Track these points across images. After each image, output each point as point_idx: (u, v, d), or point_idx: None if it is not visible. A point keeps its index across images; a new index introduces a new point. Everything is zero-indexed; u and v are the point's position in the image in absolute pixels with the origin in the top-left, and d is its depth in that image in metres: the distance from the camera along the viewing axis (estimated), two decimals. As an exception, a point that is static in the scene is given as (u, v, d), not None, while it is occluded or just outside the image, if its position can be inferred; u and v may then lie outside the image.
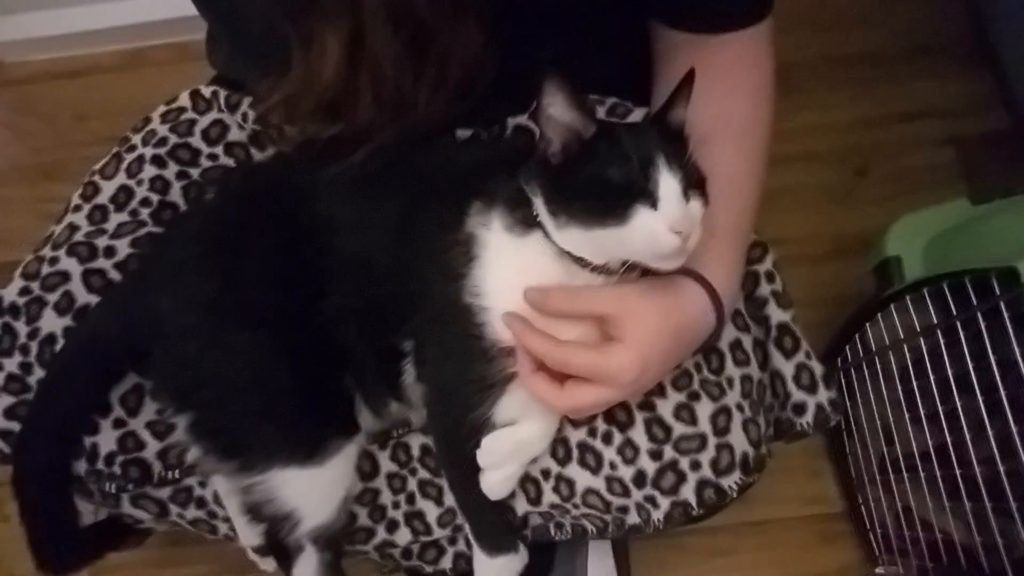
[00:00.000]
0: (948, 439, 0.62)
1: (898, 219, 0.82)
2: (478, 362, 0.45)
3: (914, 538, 0.68)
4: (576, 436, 0.49)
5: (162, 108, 0.59)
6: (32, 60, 1.11)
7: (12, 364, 0.50)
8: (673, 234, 0.39)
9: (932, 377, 0.64)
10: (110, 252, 0.53)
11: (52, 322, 0.50)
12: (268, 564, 0.58)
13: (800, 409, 0.53)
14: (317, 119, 0.46)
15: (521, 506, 0.51)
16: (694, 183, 0.41)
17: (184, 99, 0.59)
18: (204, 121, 0.58)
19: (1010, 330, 0.56)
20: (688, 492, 0.46)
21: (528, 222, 0.44)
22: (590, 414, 0.47)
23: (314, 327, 0.48)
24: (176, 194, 0.56)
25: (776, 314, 0.53)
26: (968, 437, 0.60)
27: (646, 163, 0.40)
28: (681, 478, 0.46)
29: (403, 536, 0.54)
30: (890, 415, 0.70)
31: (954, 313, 0.62)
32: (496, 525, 0.51)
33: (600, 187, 0.41)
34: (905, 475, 0.69)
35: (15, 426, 0.49)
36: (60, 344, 0.50)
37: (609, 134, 0.42)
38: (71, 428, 0.50)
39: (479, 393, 0.46)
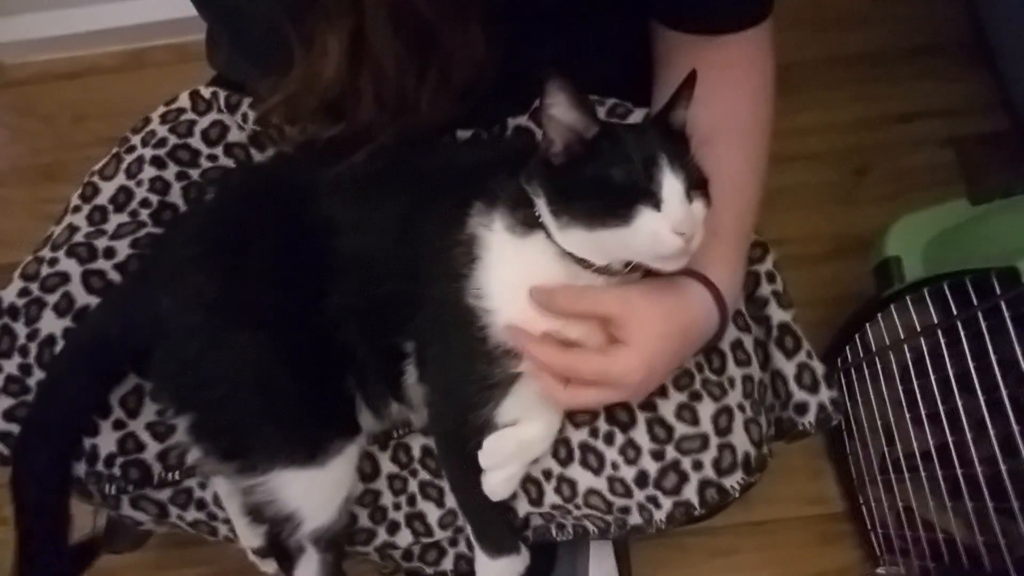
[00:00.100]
0: (949, 438, 0.62)
1: (898, 219, 0.82)
2: (480, 363, 0.45)
3: (915, 538, 0.68)
4: (578, 436, 0.48)
5: (162, 109, 0.59)
6: (32, 61, 1.11)
7: (11, 366, 0.50)
8: (676, 235, 0.39)
9: (933, 377, 0.64)
10: (110, 253, 0.53)
11: (51, 323, 0.50)
12: (269, 566, 0.57)
13: (802, 409, 0.53)
14: (318, 119, 0.46)
15: (522, 507, 0.51)
16: (696, 184, 0.41)
17: (184, 100, 0.59)
18: (204, 122, 0.58)
19: (1011, 329, 0.56)
20: (690, 492, 0.46)
21: (530, 223, 0.44)
22: (593, 411, 0.47)
23: (315, 327, 0.48)
24: (176, 195, 0.56)
25: (777, 314, 0.54)
26: (969, 436, 0.60)
27: (649, 164, 0.40)
28: (683, 478, 0.46)
29: (404, 537, 0.54)
30: (891, 415, 0.70)
31: (954, 313, 0.62)
32: (497, 526, 0.51)
33: (603, 188, 0.41)
34: (906, 475, 0.69)
35: (15, 428, 0.49)
36: (60, 345, 0.50)
37: (611, 134, 0.42)
38: (71, 430, 0.50)
39: (481, 394, 0.46)
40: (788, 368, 0.53)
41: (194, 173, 0.57)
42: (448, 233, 0.46)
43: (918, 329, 0.67)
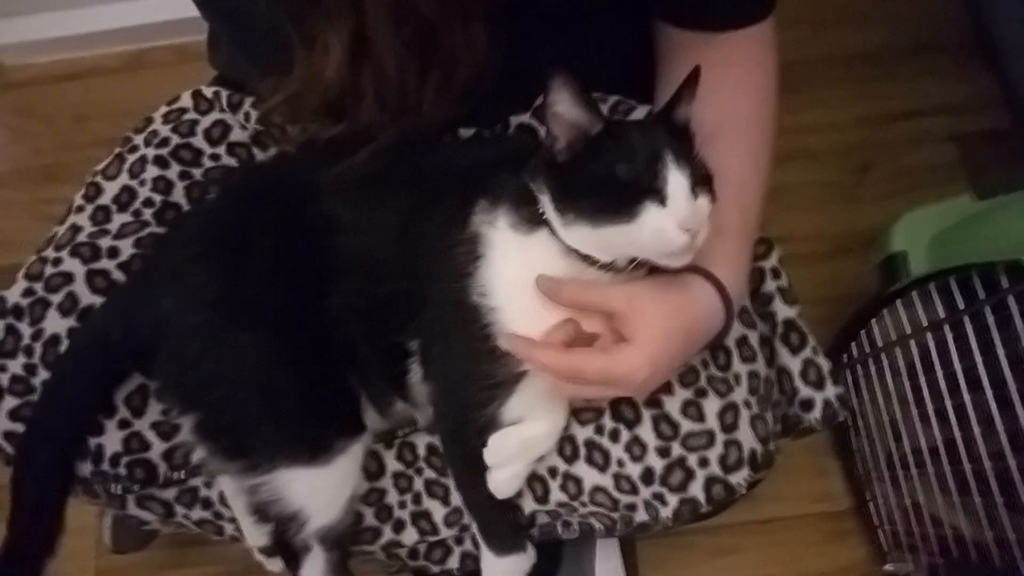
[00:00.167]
0: (957, 434, 0.62)
1: (902, 215, 0.81)
2: (484, 361, 0.45)
3: (923, 534, 0.68)
4: (583, 434, 0.48)
5: (164, 109, 0.59)
6: (33, 63, 1.11)
7: (16, 366, 0.49)
8: (682, 231, 0.39)
9: (940, 372, 0.64)
10: (113, 253, 0.53)
11: (56, 323, 0.50)
12: (275, 565, 0.57)
13: (808, 405, 0.53)
14: (320, 119, 0.46)
15: (528, 505, 0.51)
16: (701, 180, 0.41)
17: (186, 99, 0.59)
18: (206, 121, 0.58)
19: (1018, 323, 0.56)
20: (696, 489, 0.46)
21: (534, 220, 0.44)
22: (597, 403, 0.47)
23: (318, 326, 0.48)
24: (179, 194, 0.56)
25: (782, 310, 0.53)
26: (977, 432, 0.60)
27: (654, 160, 0.40)
28: (689, 475, 0.46)
29: (409, 536, 0.54)
30: (897, 411, 0.70)
31: (961, 308, 0.62)
32: (503, 524, 0.51)
33: (608, 184, 0.40)
34: (913, 471, 0.69)
35: (20, 428, 0.49)
36: (64, 345, 0.50)
37: (616, 131, 0.42)
38: (75, 429, 0.50)
39: (486, 391, 0.46)
40: (794, 364, 0.53)
41: (197, 172, 0.57)
42: (451, 231, 0.46)
43: (924, 324, 0.67)
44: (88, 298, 0.51)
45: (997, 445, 0.58)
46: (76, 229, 0.54)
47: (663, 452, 0.46)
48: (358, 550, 0.55)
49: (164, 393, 0.50)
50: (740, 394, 0.47)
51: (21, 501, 0.48)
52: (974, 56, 0.98)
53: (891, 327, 0.71)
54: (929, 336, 0.66)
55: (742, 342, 0.49)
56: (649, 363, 0.41)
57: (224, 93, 0.58)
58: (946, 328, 0.64)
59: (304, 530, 0.49)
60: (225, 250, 0.49)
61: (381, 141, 0.46)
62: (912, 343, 0.68)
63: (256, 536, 0.55)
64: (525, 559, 0.51)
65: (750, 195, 0.49)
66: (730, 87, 0.48)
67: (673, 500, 0.46)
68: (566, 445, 0.49)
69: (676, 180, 0.40)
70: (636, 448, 0.47)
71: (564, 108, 0.41)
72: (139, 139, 0.57)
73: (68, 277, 0.51)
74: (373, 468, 0.54)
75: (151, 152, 0.56)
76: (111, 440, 0.50)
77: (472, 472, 0.48)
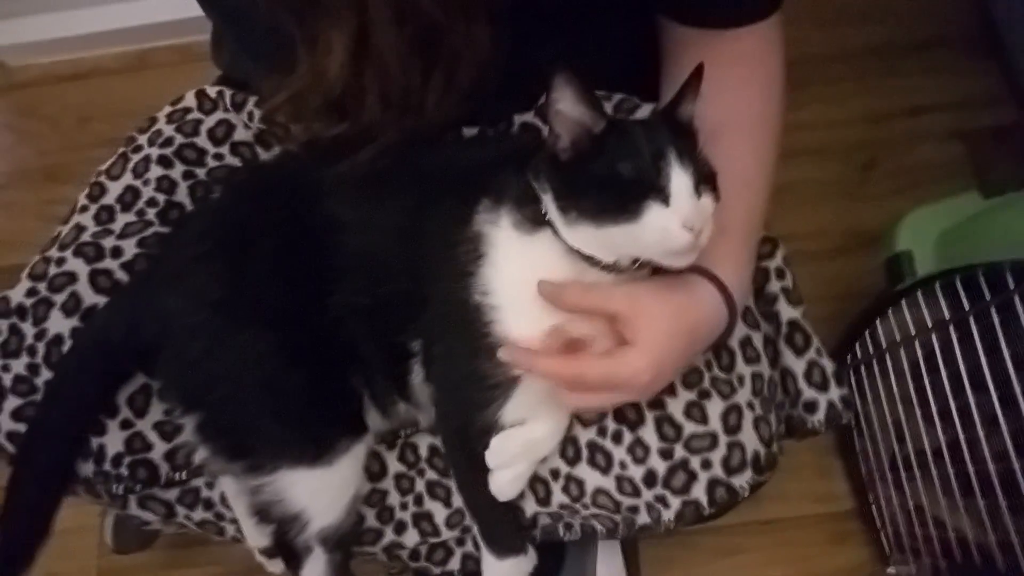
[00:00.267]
0: (961, 435, 0.62)
1: (908, 214, 0.81)
2: (486, 361, 0.45)
3: (926, 535, 0.67)
4: (586, 435, 0.48)
5: (168, 108, 0.59)
6: (36, 63, 1.12)
7: (19, 365, 0.49)
8: (685, 230, 0.39)
9: (944, 372, 0.64)
10: (117, 252, 0.53)
11: (59, 323, 0.50)
12: (276, 566, 0.57)
13: (811, 407, 0.52)
14: (323, 118, 0.46)
15: (530, 506, 0.50)
16: (705, 178, 0.41)
17: (190, 99, 0.59)
18: (210, 121, 0.58)
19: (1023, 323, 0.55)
20: (699, 491, 0.45)
21: (537, 220, 0.44)
22: (602, 411, 0.47)
23: (320, 326, 0.48)
24: (183, 194, 0.56)
25: (786, 311, 0.53)
26: (981, 433, 0.59)
27: (657, 158, 0.40)
28: (692, 477, 0.46)
29: (411, 537, 0.54)
30: (901, 411, 0.70)
31: (966, 307, 0.61)
32: (505, 526, 0.51)
33: (611, 183, 0.40)
34: (917, 472, 0.68)
35: (23, 427, 0.49)
36: (67, 345, 0.50)
37: (619, 129, 0.41)
38: (78, 429, 0.50)
39: (487, 392, 0.45)
40: (798, 366, 0.52)
41: (200, 172, 0.57)
42: (454, 230, 0.45)
43: (929, 324, 0.66)
44: (91, 298, 0.51)
45: (1001, 446, 0.57)
46: (80, 229, 0.54)
47: (666, 454, 0.46)
48: (359, 551, 0.55)
49: (167, 393, 0.50)
50: (744, 396, 0.47)
51: (16, 501, 0.47)
52: (979, 51, 0.97)
53: (895, 327, 0.70)
54: (934, 336, 0.65)
55: (746, 343, 0.49)
56: (653, 365, 0.41)
57: (228, 92, 0.58)
58: (951, 328, 0.63)
59: (305, 531, 0.49)
60: (228, 249, 0.49)
61: (384, 140, 0.46)
62: (917, 343, 0.68)
63: (257, 537, 0.55)
64: (526, 561, 0.51)
65: (755, 193, 0.48)
66: (735, 84, 0.48)
67: (676, 502, 0.46)
68: (568, 447, 0.49)
69: (679, 179, 0.39)
70: (639, 450, 0.46)
71: (567, 106, 0.40)
72: (143, 139, 0.57)
73: (72, 277, 0.52)
74: (375, 469, 0.54)
75: (155, 152, 0.56)
76: (113, 440, 0.50)
77: (474, 474, 0.48)
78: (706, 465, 0.45)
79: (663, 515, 0.46)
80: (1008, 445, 0.57)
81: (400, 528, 0.54)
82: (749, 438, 0.46)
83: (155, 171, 0.56)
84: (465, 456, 0.48)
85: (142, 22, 1.08)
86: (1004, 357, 0.56)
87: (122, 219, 0.54)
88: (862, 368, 0.75)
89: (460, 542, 0.55)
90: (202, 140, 0.58)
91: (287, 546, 0.51)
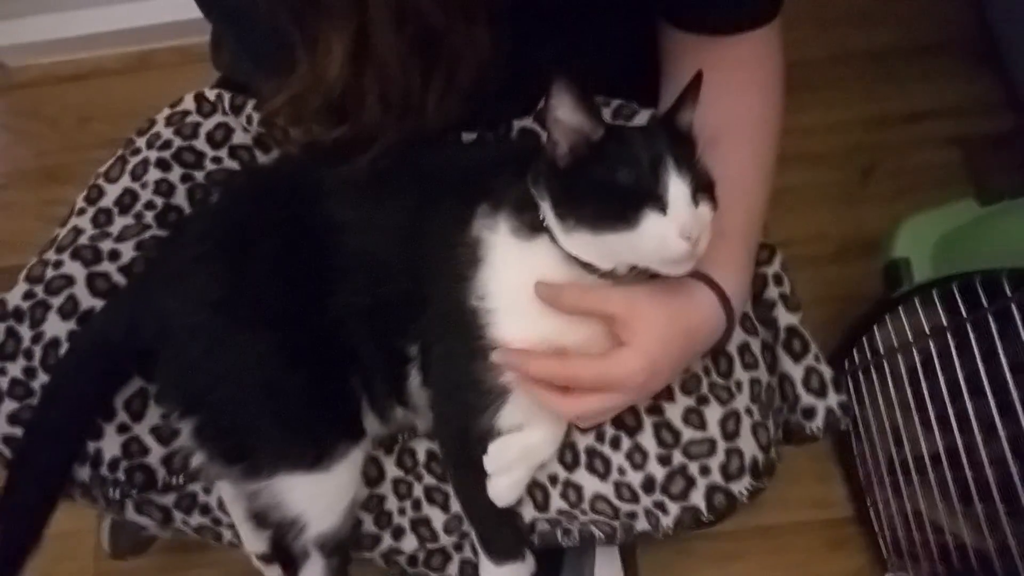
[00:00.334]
0: (959, 441, 0.62)
1: (906, 220, 0.81)
2: (481, 364, 0.45)
3: (924, 541, 0.67)
4: (584, 441, 0.48)
5: (166, 111, 0.59)
6: (36, 64, 1.12)
7: (16, 369, 0.49)
8: (683, 239, 0.39)
9: (942, 378, 0.64)
10: (114, 255, 0.53)
11: (56, 326, 0.50)
12: (273, 571, 0.57)
13: (810, 413, 0.52)
14: (323, 120, 0.46)
15: (528, 512, 0.50)
16: (703, 186, 0.41)
17: (188, 102, 0.59)
18: (209, 124, 0.58)
19: (1021, 331, 0.55)
20: (698, 498, 0.45)
21: (535, 226, 0.44)
22: (600, 421, 0.47)
23: (319, 329, 0.48)
24: (181, 197, 0.56)
25: (784, 317, 0.53)
26: (979, 438, 0.59)
27: (655, 166, 0.40)
28: (690, 483, 0.46)
29: (409, 543, 0.54)
30: (899, 417, 0.70)
31: (963, 314, 0.61)
32: (503, 532, 0.51)
33: (609, 190, 0.40)
34: (915, 477, 0.68)
35: (19, 432, 0.49)
36: (64, 348, 0.50)
37: (617, 136, 0.41)
38: (75, 432, 0.50)
39: (485, 397, 0.45)
40: (796, 372, 0.52)
41: (199, 175, 0.57)
42: (452, 234, 0.45)
43: (927, 331, 0.66)
44: (88, 301, 0.51)
45: (999, 452, 0.57)
46: (77, 231, 0.54)
47: (664, 460, 0.46)
48: (357, 557, 0.54)
49: (165, 395, 0.50)
50: (742, 401, 0.47)
51: (11, 504, 0.47)
52: (978, 58, 0.97)
53: (893, 333, 0.70)
54: (931, 342, 0.65)
55: (744, 349, 0.49)
56: (647, 366, 0.41)
57: (227, 96, 0.58)
58: (948, 334, 0.63)
59: (303, 536, 0.49)
60: (228, 251, 0.49)
61: (383, 142, 0.46)
62: (915, 349, 0.68)
63: (254, 542, 0.55)
64: (524, 568, 0.51)
65: (753, 199, 0.48)
66: (735, 90, 0.48)
67: (674, 508, 0.46)
68: (567, 452, 0.48)
69: (677, 187, 0.39)
70: (637, 456, 0.46)
71: (565, 113, 0.40)
72: (141, 141, 0.57)
73: (69, 280, 0.51)
74: (373, 474, 0.54)
75: (153, 155, 0.56)
76: (110, 444, 0.50)
77: (472, 479, 0.48)
78: (705, 471, 0.45)
79: (662, 521, 0.46)
80: (1006, 451, 0.57)
81: (398, 533, 0.54)
82: (748, 444, 0.46)
83: (153, 174, 0.56)
84: (463, 461, 0.48)
85: (143, 23, 1.08)
86: (1001, 363, 0.56)
87: (120, 222, 0.54)
88: (860, 374, 0.75)
89: (458, 547, 0.55)
90: (200, 143, 0.57)
91: (284, 551, 0.51)
